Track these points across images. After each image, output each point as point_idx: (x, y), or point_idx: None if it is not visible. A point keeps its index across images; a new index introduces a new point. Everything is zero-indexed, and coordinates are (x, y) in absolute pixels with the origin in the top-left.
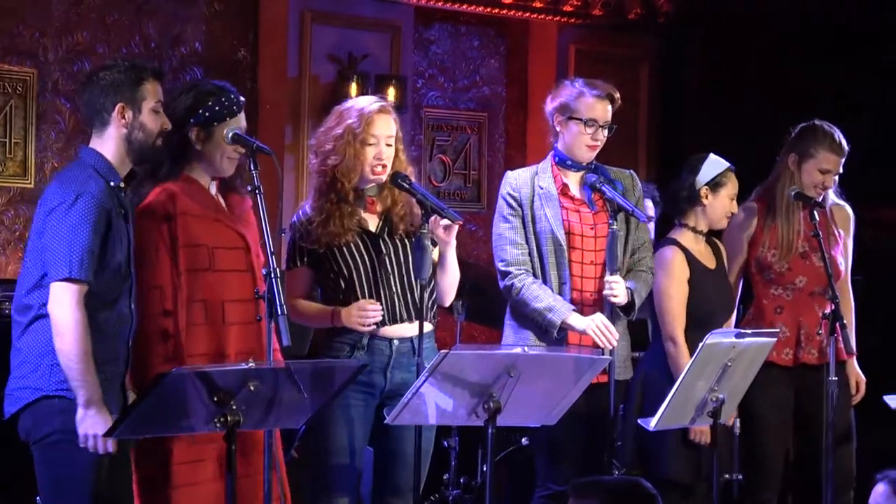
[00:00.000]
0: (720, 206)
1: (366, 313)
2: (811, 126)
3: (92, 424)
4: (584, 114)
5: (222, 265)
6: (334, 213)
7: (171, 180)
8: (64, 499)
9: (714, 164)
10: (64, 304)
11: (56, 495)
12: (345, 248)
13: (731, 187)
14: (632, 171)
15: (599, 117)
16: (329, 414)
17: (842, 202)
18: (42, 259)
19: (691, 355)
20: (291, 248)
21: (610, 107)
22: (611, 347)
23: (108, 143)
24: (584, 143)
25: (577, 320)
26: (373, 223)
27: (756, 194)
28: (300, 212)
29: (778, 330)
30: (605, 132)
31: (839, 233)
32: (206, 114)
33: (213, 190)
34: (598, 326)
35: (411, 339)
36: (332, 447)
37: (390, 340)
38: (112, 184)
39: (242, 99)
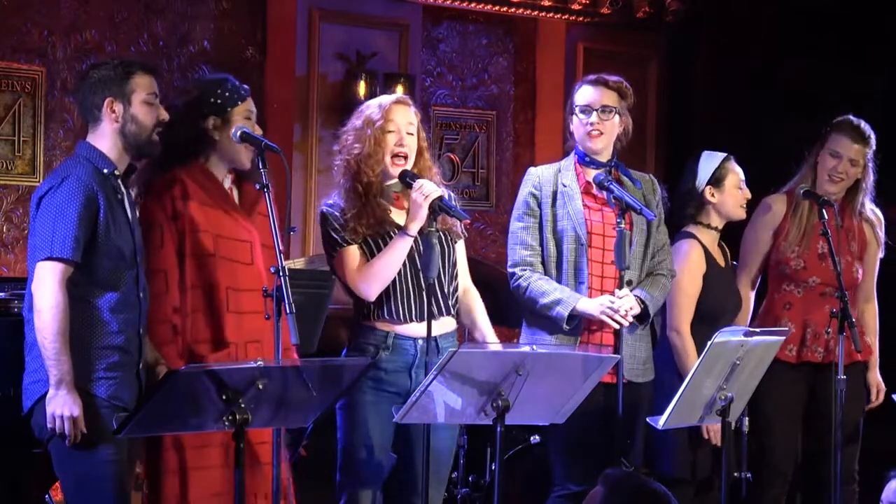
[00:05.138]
0: (730, 198)
1: (427, 187)
2: (842, 118)
3: (61, 405)
4: (578, 102)
5: (227, 254)
6: (365, 208)
7: (184, 168)
8: (86, 496)
9: (709, 161)
10: (45, 283)
11: (78, 492)
12: (380, 241)
13: (734, 176)
14: (651, 175)
15: (593, 102)
16: (357, 412)
17: (877, 211)
18: (33, 244)
19: (697, 350)
20: (333, 234)
21: (607, 92)
22: (626, 325)
23: (102, 139)
24: (584, 131)
25: (585, 305)
26: (400, 219)
27: (787, 187)
28: (330, 203)
29: (787, 329)
30: (604, 115)
31: (869, 239)
32: (218, 101)
33: (228, 183)
34: (608, 308)
35: (435, 338)
36: (360, 442)
37: (414, 340)
38: (105, 171)
39: (246, 85)
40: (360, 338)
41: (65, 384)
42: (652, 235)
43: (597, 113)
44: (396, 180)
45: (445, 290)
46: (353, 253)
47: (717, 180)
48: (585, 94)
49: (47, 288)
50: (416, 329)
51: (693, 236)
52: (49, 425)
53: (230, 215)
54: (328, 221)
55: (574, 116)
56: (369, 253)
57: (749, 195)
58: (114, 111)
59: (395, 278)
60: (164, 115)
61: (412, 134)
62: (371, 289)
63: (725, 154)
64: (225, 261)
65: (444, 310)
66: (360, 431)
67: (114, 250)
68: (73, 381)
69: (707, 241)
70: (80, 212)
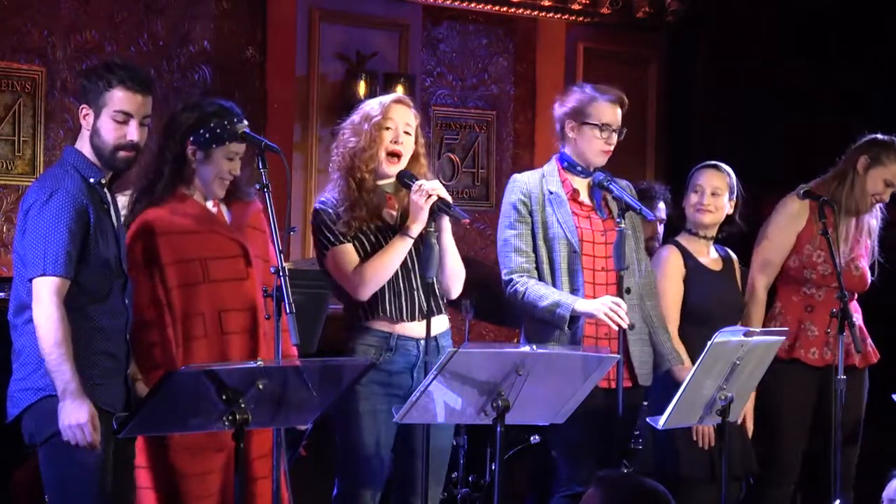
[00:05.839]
0: (688, 205)
1: (428, 188)
2: (890, 139)
3: (68, 414)
4: (598, 118)
5: (218, 275)
6: (358, 201)
7: (165, 197)
8: (70, 499)
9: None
10: (41, 300)
11: (62, 496)
12: (372, 237)
13: (695, 180)
14: (628, 182)
15: (612, 122)
16: (357, 412)
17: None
18: (23, 257)
19: (687, 352)
20: (326, 231)
21: (620, 111)
22: (625, 327)
23: (84, 143)
24: (599, 147)
25: (585, 305)
26: (391, 219)
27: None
28: (323, 199)
29: (787, 329)
30: (618, 136)
31: (868, 242)
32: (206, 135)
33: (211, 205)
34: (609, 308)
35: (435, 337)
36: (360, 443)
37: (416, 340)
38: (92, 180)
39: (246, 122)
40: (359, 339)
41: (69, 393)
42: (639, 241)
43: (615, 134)
44: (390, 180)
45: (438, 290)
46: (349, 251)
47: (686, 188)
48: (605, 111)
49: (43, 304)
50: (416, 329)
51: (674, 242)
52: (64, 438)
53: (218, 234)
54: (321, 217)
55: (585, 128)
56: (360, 250)
57: (705, 202)
58: (85, 119)
59: (400, 276)
60: (134, 138)
61: (409, 134)
62: (366, 289)
63: (705, 163)
64: (216, 283)
65: (439, 309)
66: (363, 432)
67: (101, 261)
68: (77, 388)
69: (693, 247)
70: (71, 227)
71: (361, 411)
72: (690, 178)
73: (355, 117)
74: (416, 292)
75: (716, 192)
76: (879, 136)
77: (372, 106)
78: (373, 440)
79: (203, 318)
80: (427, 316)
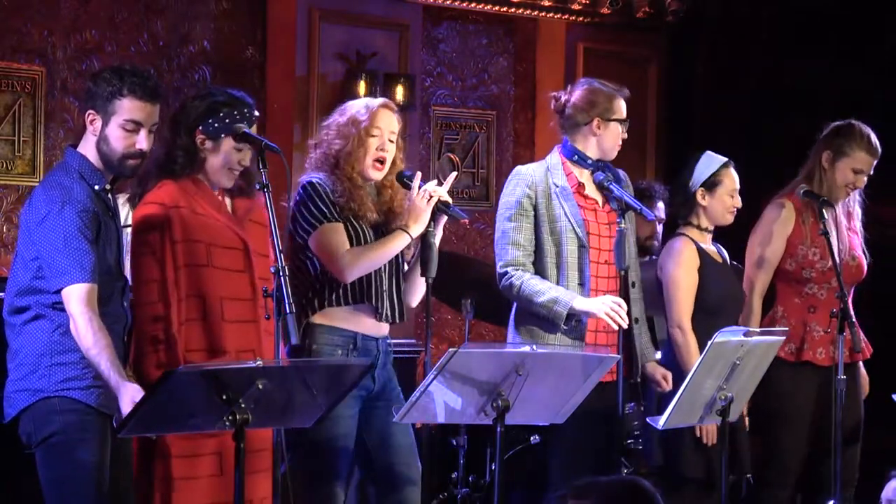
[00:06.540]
0: (719, 204)
1: (430, 189)
2: (848, 125)
3: (121, 403)
4: (622, 114)
5: (220, 263)
6: (353, 191)
7: (181, 177)
8: (67, 499)
9: (707, 163)
10: (73, 308)
11: (58, 496)
12: (363, 226)
13: (729, 183)
14: (621, 170)
15: (625, 117)
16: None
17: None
18: (38, 266)
19: (699, 343)
20: (323, 204)
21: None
22: (625, 326)
23: (88, 147)
24: (618, 142)
25: (583, 304)
26: (375, 219)
27: (787, 191)
28: (312, 176)
29: (787, 329)
30: None
31: (855, 225)
32: (215, 124)
33: (217, 194)
34: (610, 307)
35: (386, 339)
36: (326, 442)
37: (377, 340)
38: (97, 187)
39: (257, 113)
40: (324, 338)
41: (112, 387)
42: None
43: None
44: (371, 184)
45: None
46: (342, 230)
47: (710, 184)
48: (623, 106)
49: (76, 312)
50: (378, 328)
51: (685, 235)
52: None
53: (222, 224)
54: (317, 189)
55: (612, 124)
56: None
57: (739, 204)
58: (92, 124)
59: (374, 275)
60: (142, 146)
61: (392, 141)
62: (353, 273)
63: (725, 160)
64: (218, 270)
65: (407, 312)
66: (324, 429)
67: (105, 267)
68: (116, 380)
69: (700, 239)
70: (87, 235)
71: (332, 415)
72: (719, 177)
73: (341, 119)
74: (383, 293)
75: (734, 193)
76: (839, 123)
77: (359, 109)
78: (339, 439)
79: (203, 302)
80: (427, 316)
